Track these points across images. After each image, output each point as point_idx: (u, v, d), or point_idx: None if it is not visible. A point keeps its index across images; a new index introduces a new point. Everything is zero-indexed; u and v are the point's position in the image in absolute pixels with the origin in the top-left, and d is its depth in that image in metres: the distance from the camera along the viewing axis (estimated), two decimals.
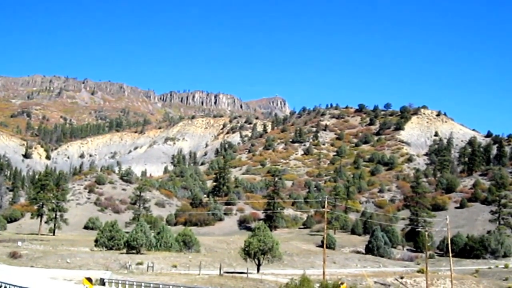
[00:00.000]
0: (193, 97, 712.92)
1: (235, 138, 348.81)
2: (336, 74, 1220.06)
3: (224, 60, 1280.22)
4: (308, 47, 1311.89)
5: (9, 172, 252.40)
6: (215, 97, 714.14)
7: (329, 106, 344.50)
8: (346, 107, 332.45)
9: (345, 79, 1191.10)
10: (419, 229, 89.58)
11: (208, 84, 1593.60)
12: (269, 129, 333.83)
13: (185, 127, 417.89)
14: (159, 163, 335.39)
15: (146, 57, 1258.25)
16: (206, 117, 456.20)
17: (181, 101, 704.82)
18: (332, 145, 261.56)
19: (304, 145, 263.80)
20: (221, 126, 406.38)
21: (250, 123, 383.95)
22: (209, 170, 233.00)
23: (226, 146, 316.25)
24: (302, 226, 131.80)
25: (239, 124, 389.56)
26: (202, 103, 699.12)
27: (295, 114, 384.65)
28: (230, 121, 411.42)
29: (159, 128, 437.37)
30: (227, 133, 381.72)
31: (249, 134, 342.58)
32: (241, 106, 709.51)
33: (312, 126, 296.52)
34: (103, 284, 44.17)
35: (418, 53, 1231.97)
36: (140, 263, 61.27)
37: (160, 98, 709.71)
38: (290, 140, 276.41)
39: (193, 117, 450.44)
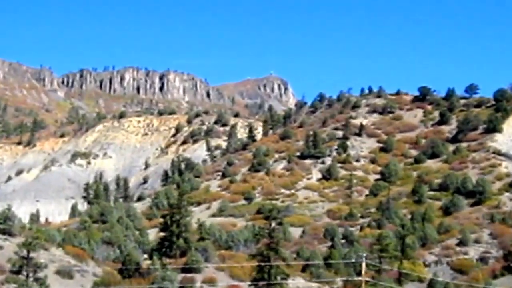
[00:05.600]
0: (121, 79, 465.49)
1: (197, 152, 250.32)
2: (369, 43, 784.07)
3: (178, 22, 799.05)
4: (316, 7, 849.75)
5: None
6: (161, 78, 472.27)
7: (367, 92, 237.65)
8: (397, 93, 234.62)
9: (382, 55, 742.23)
10: None
11: (148, 58, 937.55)
12: (259, 134, 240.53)
13: (108, 133, 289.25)
14: (61, 198, 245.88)
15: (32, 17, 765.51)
16: (146, 114, 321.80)
17: (100, 86, 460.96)
18: (373, 161, 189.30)
19: (323, 162, 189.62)
20: (173, 131, 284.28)
21: (225, 125, 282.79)
22: (152, 210, 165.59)
23: (183, 166, 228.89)
24: None
25: (204, 127, 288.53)
26: (138, 90, 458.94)
27: (306, 106, 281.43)
28: (189, 122, 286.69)
29: (61, 136, 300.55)
30: (184, 142, 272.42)
31: (224, 144, 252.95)
32: (208, 95, 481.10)
33: (337, 128, 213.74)
34: None
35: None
36: None
37: (62, 82, 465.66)
38: (298, 153, 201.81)
39: (121, 116, 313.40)
